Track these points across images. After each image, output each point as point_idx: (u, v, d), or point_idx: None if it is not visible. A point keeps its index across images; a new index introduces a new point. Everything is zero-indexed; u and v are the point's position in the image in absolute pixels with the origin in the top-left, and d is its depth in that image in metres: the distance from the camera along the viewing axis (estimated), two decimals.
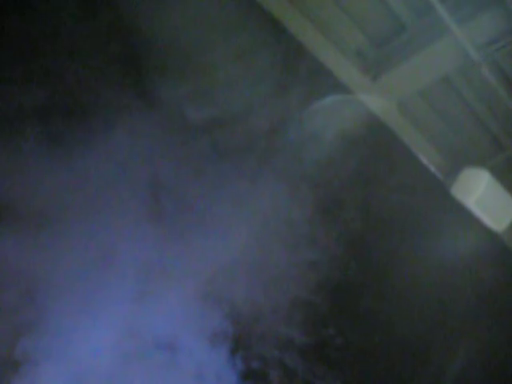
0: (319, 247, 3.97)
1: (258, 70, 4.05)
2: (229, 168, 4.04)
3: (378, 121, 3.99)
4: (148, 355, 3.70)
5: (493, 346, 3.95)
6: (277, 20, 3.39)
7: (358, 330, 3.89)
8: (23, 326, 3.60)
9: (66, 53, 3.99)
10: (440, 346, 3.90)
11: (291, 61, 3.96)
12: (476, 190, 3.93)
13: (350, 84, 3.81)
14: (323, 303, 3.88)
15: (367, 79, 3.80)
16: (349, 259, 3.96)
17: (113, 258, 3.80)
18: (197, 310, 3.82)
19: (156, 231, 3.88)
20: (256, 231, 3.96)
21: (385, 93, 3.87)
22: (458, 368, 3.87)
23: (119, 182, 3.89)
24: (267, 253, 3.93)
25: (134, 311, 3.76)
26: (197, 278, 3.86)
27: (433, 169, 4.07)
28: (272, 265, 3.93)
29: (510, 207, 3.87)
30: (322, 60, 3.57)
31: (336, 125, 4.15)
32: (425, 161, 4.06)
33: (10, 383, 3.46)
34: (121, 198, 3.88)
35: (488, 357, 3.92)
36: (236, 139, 4.08)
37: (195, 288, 3.84)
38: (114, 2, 3.72)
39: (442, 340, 3.92)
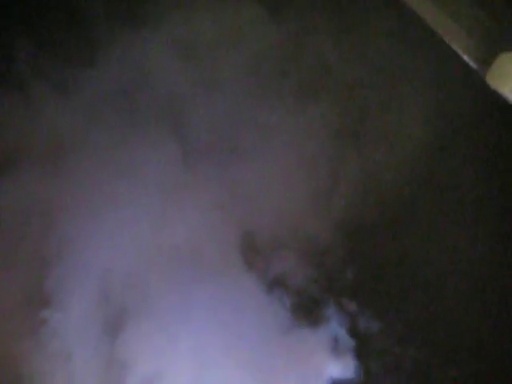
0: (337, 186, 3.84)
1: None
2: (253, 89, 3.86)
3: (405, 8, 3.72)
4: (170, 264, 3.70)
5: None
6: None
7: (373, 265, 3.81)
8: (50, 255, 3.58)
9: None
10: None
11: None
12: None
13: None
14: (338, 241, 3.80)
15: None
16: (366, 199, 3.82)
17: (134, 176, 3.70)
18: (217, 228, 3.75)
19: (177, 149, 3.75)
20: (279, 160, 3.82)
21: None
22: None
23: (136, 102, 3.76)
24: (287, 184, 3.81)
25: (156, 225, 3.71)
26: (217, 198, 3.77)
27: (466, 57, 3.82)
28: (291, 196, 3.81)
29: None
30: None
31: (358, 16, 3.90)
32: (457, 49, 3.80)
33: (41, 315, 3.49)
34: (139, 118, 3.74)
35: None
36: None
37: (216, 206, 3.76)
38: None
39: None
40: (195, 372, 3.57)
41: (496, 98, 3.74)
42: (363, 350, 3.64)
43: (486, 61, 3.82)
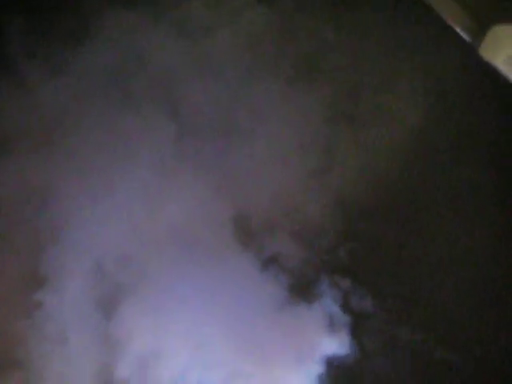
0: (332, 168, 3.83)
1: None
2: (248, 72, 3.85)
3: None
4: (165, 245, 3.72)
5: None
6: None
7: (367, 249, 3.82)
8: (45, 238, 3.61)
9: None
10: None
11: None
12: (505, 48, 3.68)
13: None
14: (333, 222, 3.81)
15: None
16: (361, 181, 3.81)
17: (129, 159, 3.72)
18: (212, 209, 3.76)
19: (172, 131, 3.76)
20: (274, 142, 3.82)
21: None
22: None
23: (131, 85, 3.77)
24: (282, 165, 3.82)
25: (151, 206, 3.74)
26: (212, 179, 3.78)
27: (459, 30, 3.78)
28: (286, 178, 3.82)
29: None
30: None
31: None
32: (450, 22, 3.76)
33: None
34: (134, 100, 3.76)
35: None
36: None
37: (211, 188, 3.77)
38: None
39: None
40: (191, 351, 3.62)
41: (490, 72, 3.71)
42: (358, 327, 3.66)
43: (479, 33, 3.79)
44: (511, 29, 3.64)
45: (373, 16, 3.87)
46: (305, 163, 3.78)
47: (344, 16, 3.88)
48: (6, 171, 3.64)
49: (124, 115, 3.75)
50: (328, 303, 3.70)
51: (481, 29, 3.77)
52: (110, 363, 3.54)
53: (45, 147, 3.68)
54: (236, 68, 3.83)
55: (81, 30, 3.77)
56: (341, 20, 3.88)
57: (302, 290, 3.73)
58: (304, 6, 3.88)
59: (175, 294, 3.66)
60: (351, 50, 3.87)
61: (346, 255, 3.73)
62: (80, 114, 3.73)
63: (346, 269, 3.71)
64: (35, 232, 3.59)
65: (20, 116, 3.70)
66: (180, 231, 3.72)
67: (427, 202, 3.77)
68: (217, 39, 3.85)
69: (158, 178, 3.74)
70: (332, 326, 3.66)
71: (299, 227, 3.75)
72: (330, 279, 3.71)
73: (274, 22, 3.86)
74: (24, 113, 3.70)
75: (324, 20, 3.87)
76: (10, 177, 3.63)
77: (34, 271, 3.54)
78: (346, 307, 3.70)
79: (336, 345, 3.65)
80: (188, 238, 3.72)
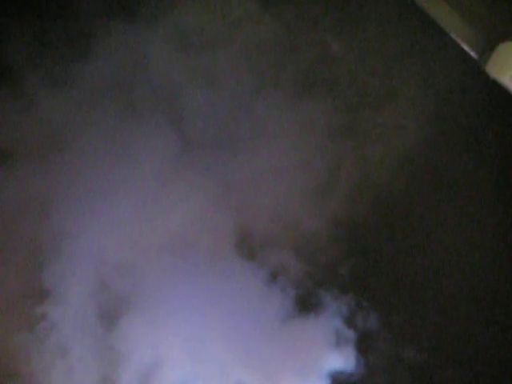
0: (333, 181, 3.84)
1: None
2: (249, 82, 3.85)
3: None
4: (166, 255, 3.73)
5: None
6: None
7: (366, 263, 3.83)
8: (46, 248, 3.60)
9: None
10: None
11: None
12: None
13: None
14: (334, 236, 3.82)
15: None
16: (362, 196, 3.83)
17: (131, 168, 3.71)
18: (213, 220, 3.77)
19: (173, 141, 3.76)
20: (275, 155, 3.83)
21: None
22: None
23: (132, 95, 3.77)
24: (283, 178, 3.83)
25: (152, 216, 3.74)
26: (213, 190, 3.78)
27: (465, 46, 3.78)
28: (287, 191, 3.82)
29: None
30: None
31: (356, 10, 3.86)
32: (457, 38, 3.76)
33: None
34: (136, 110, 3.76)
35: None
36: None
37: (212, 198, 3.78)
38: None
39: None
40: (193, 362, 3.61)
41: (495, 89, 3.71)
42: (362, 344, 3.66)
43: (486, 50, 3.79)
44: None
45: (375, 28, 3.88)
46: (306, 177, 3.79)
47: (346, 27, 3.89)
48: (7, 181, 3.64)
49: (126, 125, 3.76)
50: (332, 319, 3.70)
51: (487, 46, 3.77)
52: (111, 375, 3.54)
53: (46, 157, 3.68)
54: (238, 79, 3.84)
55: (83, 42, 3.78)
56: (343, 31, 3.89)
57: (305, 304, 3.73)
58: (306, 17, 3.88)
59: (177, 305, 3.65)
60: (353, 62, 3.88)
61: (348, 270, 3.73)
62: (82, 123, 3.74)
63: (349, 284, 3.71)
64: (37, 244, 3.58)
65: (21, 126, 3.70)
66: (181, 242, 3.72)
67: (428, 216, 3.79)
68: (219, 50, 3.86)
69: (160, 188, 3.74)
70: (336, 341, 3.66)
71: (301, 242, 3.75)
72: (332, 294, 3.70)
73: (276, 34, 3.87)
74: (25, 123, 3.70)
75: (326, 31, 3.88)
76: (11, 187, 3.63)
77: (36, 284, 3.54)
78: (350, 323, 3.69)
79: (340, 361, 3.65)
80: (189, 249, 3.72)
